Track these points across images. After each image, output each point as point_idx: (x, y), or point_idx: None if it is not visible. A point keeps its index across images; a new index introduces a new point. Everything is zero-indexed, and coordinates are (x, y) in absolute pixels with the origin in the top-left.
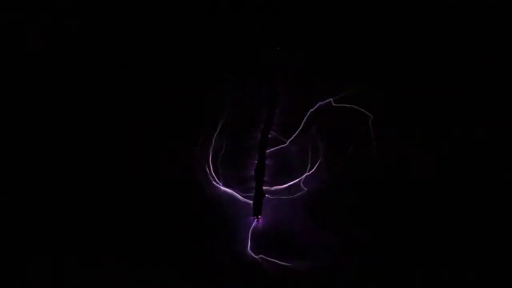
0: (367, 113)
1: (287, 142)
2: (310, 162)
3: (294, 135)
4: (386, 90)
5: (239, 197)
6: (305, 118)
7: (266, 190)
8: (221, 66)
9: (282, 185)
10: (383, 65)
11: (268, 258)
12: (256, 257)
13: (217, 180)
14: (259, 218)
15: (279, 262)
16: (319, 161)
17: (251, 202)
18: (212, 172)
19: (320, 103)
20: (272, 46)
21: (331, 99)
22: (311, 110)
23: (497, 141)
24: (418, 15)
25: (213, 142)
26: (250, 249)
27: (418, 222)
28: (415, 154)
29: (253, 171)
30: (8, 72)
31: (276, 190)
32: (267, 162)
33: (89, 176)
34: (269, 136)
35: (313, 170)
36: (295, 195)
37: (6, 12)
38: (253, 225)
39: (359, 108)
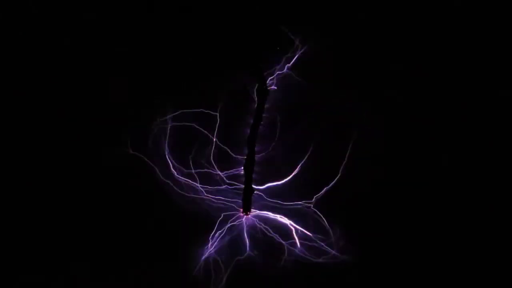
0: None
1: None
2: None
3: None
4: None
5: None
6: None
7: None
8: (214, 61)
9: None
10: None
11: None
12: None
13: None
14: (249, 214)
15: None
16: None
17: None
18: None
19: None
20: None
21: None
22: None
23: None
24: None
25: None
26: (248, 248)
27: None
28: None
29: (242, 167)
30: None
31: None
32: (256, 158)
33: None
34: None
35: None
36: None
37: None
38: (244, 222)
39: None
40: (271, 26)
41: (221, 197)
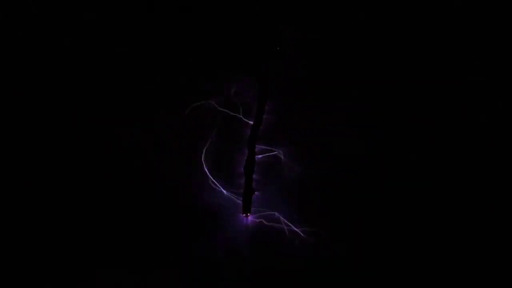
0: None
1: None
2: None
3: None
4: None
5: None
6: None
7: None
8: (214, 63)
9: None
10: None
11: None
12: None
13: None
14: (249, 215)
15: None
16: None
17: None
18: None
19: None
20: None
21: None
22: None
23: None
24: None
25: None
26: (248, 248)
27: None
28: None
29: (242, 168)
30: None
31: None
32: (256, 158)
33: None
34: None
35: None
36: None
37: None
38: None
39: None
40: (271, 26)
41: (220, 198)
